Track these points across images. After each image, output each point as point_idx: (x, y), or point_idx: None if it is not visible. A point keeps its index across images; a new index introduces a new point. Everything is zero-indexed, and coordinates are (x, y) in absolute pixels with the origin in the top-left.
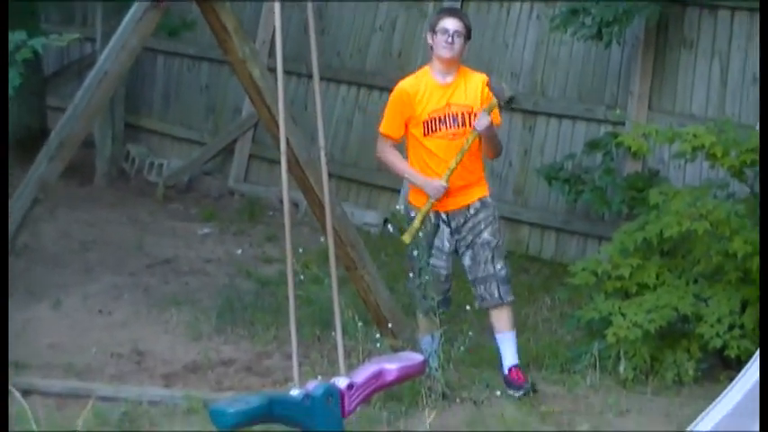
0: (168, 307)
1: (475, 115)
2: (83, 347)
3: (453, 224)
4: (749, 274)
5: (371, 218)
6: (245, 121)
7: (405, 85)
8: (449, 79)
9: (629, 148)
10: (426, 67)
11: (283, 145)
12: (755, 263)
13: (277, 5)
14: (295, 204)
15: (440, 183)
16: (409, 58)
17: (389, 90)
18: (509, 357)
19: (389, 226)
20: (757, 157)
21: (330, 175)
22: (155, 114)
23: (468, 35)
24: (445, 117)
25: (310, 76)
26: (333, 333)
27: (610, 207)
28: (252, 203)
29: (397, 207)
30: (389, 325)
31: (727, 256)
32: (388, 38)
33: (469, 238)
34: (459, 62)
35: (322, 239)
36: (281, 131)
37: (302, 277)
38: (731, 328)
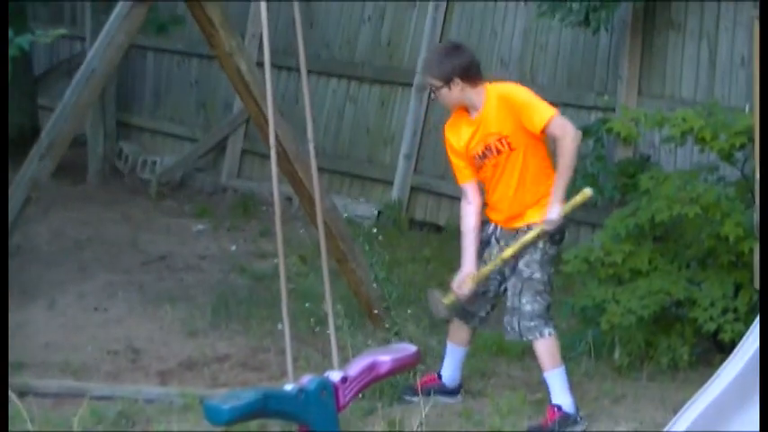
0: (163, 304)
1: (507, 139)
2: (78, 346)
3: (502, 243)
4: (741, 258)
5: (364, 210)
6: (237, 116)
7: (447, 127)
8: (477, 112)
9: (619, 134)
10: None
11: (272, 139)
12: (747, 245)
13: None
14: (288, 199)
15: (466, 274)
16: (398, 48)
17: (379, 81)
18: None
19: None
20: (746, 140)
21: (321, 169)
22: (146, 112)
23: (446, 82)
24: (483, 151)
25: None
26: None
27: (602, 193)
28: (245, 199)
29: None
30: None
31: (719, 240)
32: (377, 28)
33: (512, 262)
34: (477, 94)
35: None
36: (269, 126)
37: (296, 271)
38: (725, 311)
